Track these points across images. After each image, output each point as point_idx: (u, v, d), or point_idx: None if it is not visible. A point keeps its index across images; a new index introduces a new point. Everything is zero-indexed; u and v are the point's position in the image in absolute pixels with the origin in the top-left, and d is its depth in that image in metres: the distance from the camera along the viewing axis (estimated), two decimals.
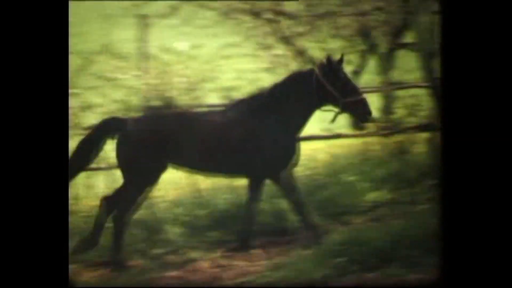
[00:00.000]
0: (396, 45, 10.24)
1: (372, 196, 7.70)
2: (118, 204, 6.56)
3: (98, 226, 6.56)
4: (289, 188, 6.58)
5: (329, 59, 6.58)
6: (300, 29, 9.41)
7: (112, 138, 6.66)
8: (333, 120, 6.67)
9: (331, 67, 6.54)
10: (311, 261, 5.96)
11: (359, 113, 6.61)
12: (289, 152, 6.59)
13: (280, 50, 9.48)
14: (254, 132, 6.56)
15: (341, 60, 6.63)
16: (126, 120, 6.72)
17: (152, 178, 6.59)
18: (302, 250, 6.33)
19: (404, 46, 10.15)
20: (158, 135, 6.52)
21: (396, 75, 10.09)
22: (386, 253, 5.89)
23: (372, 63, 10.46)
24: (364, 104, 6.52)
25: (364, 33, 10.04)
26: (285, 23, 9.65)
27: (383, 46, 10.31)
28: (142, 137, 6.53)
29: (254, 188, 6.66)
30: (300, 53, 9.56)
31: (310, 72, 6.62)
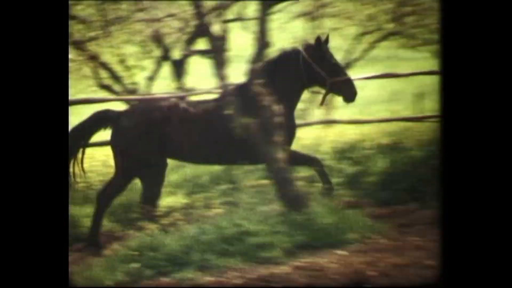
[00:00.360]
0: (190, 52, 10.37)
1: (167, 201, 7.67)
2: (108, 190, 6.76)
3: (96, 224, 6.64)
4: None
5: (318, 39, 6.63)
6: (92, 33, 9.24)
7: (105, 129, 6.79)
8: (322, 102, 6.72)
9: (318, 48, 6.58)
10: (103, 267, 5.86)
11: (346, 93, 6.65)
12: (289, 131, 6.51)
13: (72, 54, 9.26)
14: (247, 121, 6.35)
15: (327, 41, 6.68)
16: (119, 112, 6.84)
17: (143, 168, 6.70)
18: (93, 257, 6.28)
19: (198, 53, 10.31)
20: (150, 127, 6.63)
21: (190, 81, 10.23)
22: (179, 258, 5.90)
23: (166, 69, 10.53)
24: (351, 84, 6.61)
25: (157, 39, 10.08)
26: (76, 27, 9.43)
27: (176, 52, 10.42)
28: (134, 129, 6.64)
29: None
30: (93, 58, 9.39)
31: (296, 52, 6.62)
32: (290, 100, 6.60)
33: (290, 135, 6.56)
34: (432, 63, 7.97)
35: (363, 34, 11.56)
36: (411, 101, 8.76)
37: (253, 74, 6.46)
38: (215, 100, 6.85)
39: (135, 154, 6.64)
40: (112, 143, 6.82)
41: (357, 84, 6.99)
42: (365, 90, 12.17)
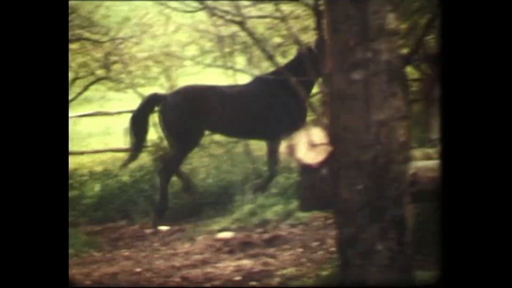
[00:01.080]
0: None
1: None
2: (167, 165, 7.87)
3: (163, 194, 7.84)
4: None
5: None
6: None
7: (153, 112, 7.99)
8: None
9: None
10: None
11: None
12: (300, 117, 7.67)
13: None
14: (271, 104, 7.85)
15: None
16: (166, 95, 8.20)
17: (193, 141, 7.92)
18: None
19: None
20: (194, 104, 7.74)
21: None
22: None
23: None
24: None
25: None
26: None
27: None
28: (180, 107, 7.78)
29: (273, 151, 7.85)
30: None
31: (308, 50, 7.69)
32: (303, 91, 7.37)
33: (300, 120, 7.64)
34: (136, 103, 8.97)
35: (75, 79, 12.38)
36: (121, 134, 9.39)
37: (279, 68, 7.56)
38: (246, 85, 8.32)
39: (182, 128, 7.83)
40: (162, 120, 7.98)
41: (74, 120, 7.89)
42: (81, 125, 12.95)
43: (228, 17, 7.18)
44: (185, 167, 8.66)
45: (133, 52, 11.33)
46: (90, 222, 8.44)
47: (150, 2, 10.06)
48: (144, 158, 9.35)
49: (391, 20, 3.86)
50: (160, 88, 11.23)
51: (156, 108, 8.15)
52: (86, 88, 12.57)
